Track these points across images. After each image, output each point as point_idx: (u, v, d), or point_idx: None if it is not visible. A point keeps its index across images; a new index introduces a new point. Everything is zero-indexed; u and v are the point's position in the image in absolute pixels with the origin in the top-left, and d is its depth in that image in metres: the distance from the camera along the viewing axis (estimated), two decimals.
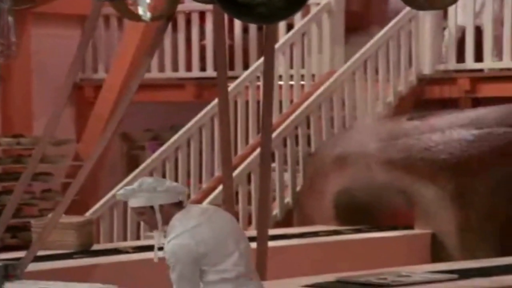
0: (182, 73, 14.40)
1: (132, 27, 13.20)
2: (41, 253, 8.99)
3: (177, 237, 6.63)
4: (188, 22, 14.19)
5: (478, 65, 13.97)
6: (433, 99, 14.19)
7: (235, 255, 6.64)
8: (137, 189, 6.73)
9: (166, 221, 6.71)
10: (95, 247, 10.51)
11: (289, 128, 12.85)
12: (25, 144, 12.69)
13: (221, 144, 10.09)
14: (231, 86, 11.73)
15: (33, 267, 8.30)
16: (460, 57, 13.93)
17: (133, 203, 6.79)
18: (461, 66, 13.99)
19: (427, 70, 13.89)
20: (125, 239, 12.18)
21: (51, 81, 12.67)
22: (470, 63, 13.96)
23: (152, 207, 6.70)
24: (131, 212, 12.29)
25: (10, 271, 7.61)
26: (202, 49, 14.18)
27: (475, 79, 13.90)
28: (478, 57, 13.85)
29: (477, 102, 14.26)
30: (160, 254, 6.77)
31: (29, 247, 8.68)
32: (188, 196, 12.67)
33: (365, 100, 13.29)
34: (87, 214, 11.91)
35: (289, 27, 13.50)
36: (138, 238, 12.14)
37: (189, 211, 6.77)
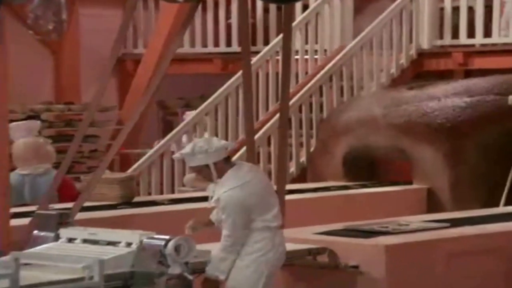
0: (210, 48, 14.44)
1: (167, 8, 13.23)
2: (89, 204, 9.15)
3: (232, 190, 6.95)
4: (216, 4, 14.22)
5: (470, 41, 14.03)
6: (430, 71, 14.23)
7: (276, 207, 7.10)
8: (190, 153, 7.06)
9: (220, 175, 7.03)
10: (136, 199, 10.61)
11: (304, 97, 12.91)
12: (75, 110, 12.75)
13: (244, 111, 10.17)
14: (254, 59, 11.78)
15: (82, 216, 8.46)
16: (455, 34, 14.00)
17: (190, 163, 7.21)
18: (455, 41, 14.06)
19: (425, 45, 13.92)
20: (161, 192, 12.23)
21: (97, 56, 12.70)
22: (463, 39, 14.02)
23: (207, 165, 7.00)
24: (167, 169, 12.50)
25: (64, 219, 7.77)
26: (228, 27, 14.21)
27: (468, 53, 13.95)
28: (470, 34, 13.92)
29: (469, 74, 14.35)
30: (213, 203, 7.09)
31: (78, 199, 8.86)
32: None
33: (370, 72, 13.32)
34: (129, 171, 12.03)
35: (305, 7, 13.53)
36: (172, 192, 12.20)
37: (240, 168, 7.13)
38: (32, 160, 9.68)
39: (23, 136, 10.34)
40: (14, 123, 10.78)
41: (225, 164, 7.06)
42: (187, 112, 12.99)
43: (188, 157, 7.15)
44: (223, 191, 6.98)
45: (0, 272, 5.91)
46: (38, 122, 10.68)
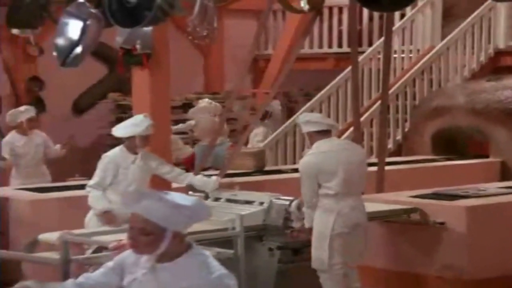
0: (325, 49, 14.37)
1: (292, 17, 13.24)
2: (231, 171, 9.25)
3: (308, 156, 6.84)
4: (330, 13, 14.21)
5: None
6: (505, 66, 13.95)
7: (341, 179, 6.72)
8: (302, 121, 7.00)
9: (311, 143, 6.92)
10: (266, 168, 10.58)
11: (400, 87, 12.79)
12: (219, 99, 12.82)
13: (352, 99, 10.24)
14: (360, 58, 11.74)
15: (226, 180, 8.49)
16: None
17: (302, 130, 7.08)
18: None
19: (502, 45, 13.65)
20: (285, 163, 12.29)
21: (236, 56, 12.82)
22: None
23: (307, 133, 6.93)
24: (290, 144, 12.58)
25: None
26: (340, 32, 14.19)
27: None
28: None
29: None
30: None
31: (222, 168, 9.10)
32: None
33: (455, 67, 13.18)
34: (261, 146, 12.13)
35: (402, 15, 13.46)
36: (294, 162, 12.24)
37: (330, 140, 6.92)
38: (212, 134, 9.72)
39: (203, 116, 10.54)
40: (197, 106, 11.03)
41: (318, 135, 6.85)
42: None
43: (301, 124, 7.09)
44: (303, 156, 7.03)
45: None
46: (218, 105, 10.84)
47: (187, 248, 3.40)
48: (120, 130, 7.43)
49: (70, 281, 3.63)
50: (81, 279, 3.58)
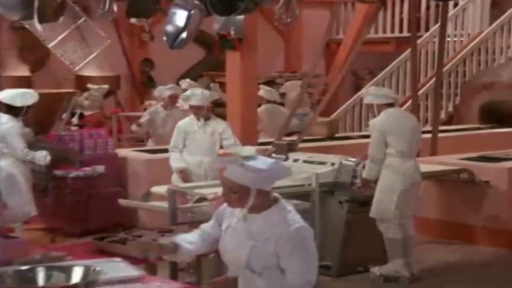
0: (388, 34, 14.18)
1: (360, 7, 13.15)
2: (307, 137, 9.22)
3: (379, 117, 6.65)
4: (393, 3, 14.05)
5: None
6: None
7: (406, 145, 6.60)
8: (373, 94, 6.82)
9: (378, 113, 6.69)
10: (337, 135, 10.55)
11: (453, 66, 12.63)
12: (297, 77, 12.79)
13: (411, 76, 10.13)
14: (418, 41, 11.59)
15: (303, 145, 8.48)
16: None
17: (371, 101, 6.82)
18: None
19: None
20: (353, 130, 12.29)
21: (312, 40, 12.73)
22: None
23: (373, 104, 6.74)
24: (357, 114, 12.56)
25: (292, 146, 7.90)
26: (401, 19, 13.99)
27: None
28: None
29: None
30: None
31: (300, 134, 9.09)
32: None
33: (501, 49, 12.93)
34: (332, 116, 12.14)
35: (455, 5, 13.24)
36: (360, 130, 12.24)
37: (395, 109, 6.82)
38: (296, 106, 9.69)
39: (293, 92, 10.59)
40: (289, 83, 11.06)
41: (385, 106, 6.68)
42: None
43: (368, 96, 6.90)
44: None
45: None
46: (299, 82, 10.82)
47: (273, 203, 3.45)
48: (188, 100, 7.40)
49: (194, 232, 3.72)
50: (198, 231, 3.70)
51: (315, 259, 3.42)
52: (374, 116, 6.78)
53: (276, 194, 3.48)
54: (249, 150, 7.08)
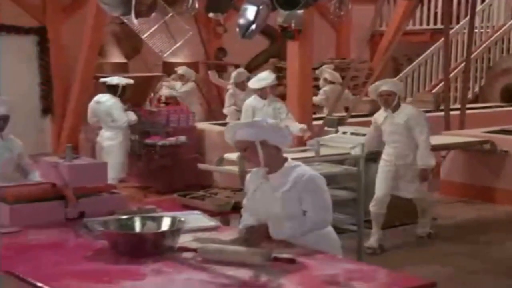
0: (424, 26, 13.84)
1: (400, 3, 12.81)
2: (354, 114, 9.14)
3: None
4: (429, 0, 13.74)
5: None
6: None
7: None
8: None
9: None
10: None
11: (479, 54, 12.33)
12: (346, 63, 12.62)
13: (443, 62, 9.93)
14: (450, 32, 11.32)
15: (350, 120, 8.51)
16: None
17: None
18: None
19: None
20: None
21: (359, 32, 12.46)
22: None
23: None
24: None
25: (341, 120, 7.86)
26: (435, 13, 13.66)
27: None
28: None
29: None
30: None
31: (349, 111, 8.92)
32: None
33: None
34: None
35: (483, 0, 12.89)
36: None
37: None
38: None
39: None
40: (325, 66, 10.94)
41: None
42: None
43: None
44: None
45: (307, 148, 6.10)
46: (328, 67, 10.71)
47: (285, 161, 3.45)
48: (254, 83, 7.35)
49: (244, 213, 3.65)
50: (245, 211, 3.63)
51: (329, 201, 3.39)
52: None
53: (284, 155, 3.48)
54: (296, 127, 6.97)
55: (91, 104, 7.86)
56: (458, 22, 12.90)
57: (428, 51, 12.59)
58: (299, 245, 3.25)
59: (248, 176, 3.62)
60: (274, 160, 3.42)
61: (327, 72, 10.55)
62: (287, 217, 3.34)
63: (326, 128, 7.61)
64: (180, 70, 10.71)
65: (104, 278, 2.85)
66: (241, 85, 9.51)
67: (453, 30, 12.23)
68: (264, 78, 7.31)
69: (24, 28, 10.56)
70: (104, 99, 7.71)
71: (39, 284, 2.80)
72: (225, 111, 9.76)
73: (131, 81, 7.89)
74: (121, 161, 7.77)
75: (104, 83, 7.80)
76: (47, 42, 10.79)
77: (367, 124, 8.29)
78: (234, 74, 9.88)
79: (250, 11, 4.70)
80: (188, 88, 10.53)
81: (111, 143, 7.69)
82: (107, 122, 7.69)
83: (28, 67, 10.74)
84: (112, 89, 7.73)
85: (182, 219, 3.38)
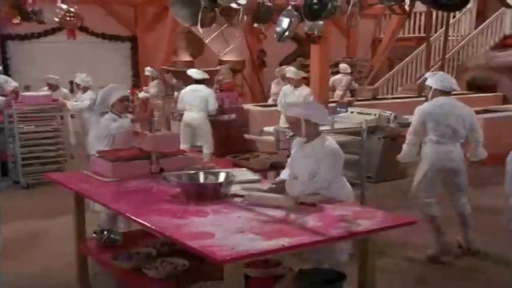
0: (411, 34, 13.16)
1: (394, 17, 12.05)
2: (359, 98, 8.96)
3: (424, 104, 4.27)
4: (415, 15, 13.06)
5: None
6: (509, 44, 12.39)
7: (447, 132, 4.17)
8: (434, 79, 4.28)
9: (431, 98, 4.24)
10: (378, 97, 9.93)
11: (451, 55, 11.82)
12: (353, 61, 12.21)
13: (425, 61, 9.61)
14: (431, 38, 10.87)
15: (357, 103, 8.22)
16: None
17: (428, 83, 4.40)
18: None
19: (507, 31, 12.13)
20: (387, 94, 11.68)
21: (363, 38, 12.03)
22: None
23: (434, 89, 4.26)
24: (391, 83, 12.05)
25: (351, 102, 7.63)
26: (419, 25, 13.05)
27: None
28: None
29: None
30: None
31: (355, 96, 8.66)
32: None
33: (480, 45, 12.00)
34: (375, 85, 11.56)
35: (454, 15, 12.27)
36: (392, 93, 11.67)
37: (446, 98, 4.21)
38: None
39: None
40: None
41: (440, 93, 4.21)
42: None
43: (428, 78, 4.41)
44: None
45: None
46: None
47: (319, 135, 3.42)
48: (291, 74, 7.35)
49: (286, 169, 3.62)
50: (287, 168, 3.60)
51: (339, 170, 3.33)
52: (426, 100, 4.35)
53: (321, 130, 3.43)
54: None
55: (185, 91, 7.09)
56: (436, 31, 12.52)
57: (414, 53, 12.29)
58: (321, 194, 3.23)
59: (293, 141, 3.56)
60: (312, 133, 3.39)
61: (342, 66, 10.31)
62: (308, 175, 3.28)
63: (338, 108, 7.50)
64: (146, 71, 9.48)
65: (177, 215, 2.91)
66: (282, 76, 9.36)
67: (432, 37, 11.88)
68: (292, 71, 7.42)
69: (121, 37, 11.33)
70: (200, 87, 7.05)
71: (133, 217, 2.88)
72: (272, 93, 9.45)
73: (207, 76, 7.45)
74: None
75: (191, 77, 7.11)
76: (137, 46, 11.44)
77: (369, 106, 8.14)
78: (277, 69, 9.86)
79: (285, 22, 4.65)
80: (155, 87, 9.41)
81: (204, 122, 7.08)
82: (197, 104, 6.93)
83: (123, 64, 11.36)
84: (200, 81, 7.08)
85: (234, 174, 3.38)
